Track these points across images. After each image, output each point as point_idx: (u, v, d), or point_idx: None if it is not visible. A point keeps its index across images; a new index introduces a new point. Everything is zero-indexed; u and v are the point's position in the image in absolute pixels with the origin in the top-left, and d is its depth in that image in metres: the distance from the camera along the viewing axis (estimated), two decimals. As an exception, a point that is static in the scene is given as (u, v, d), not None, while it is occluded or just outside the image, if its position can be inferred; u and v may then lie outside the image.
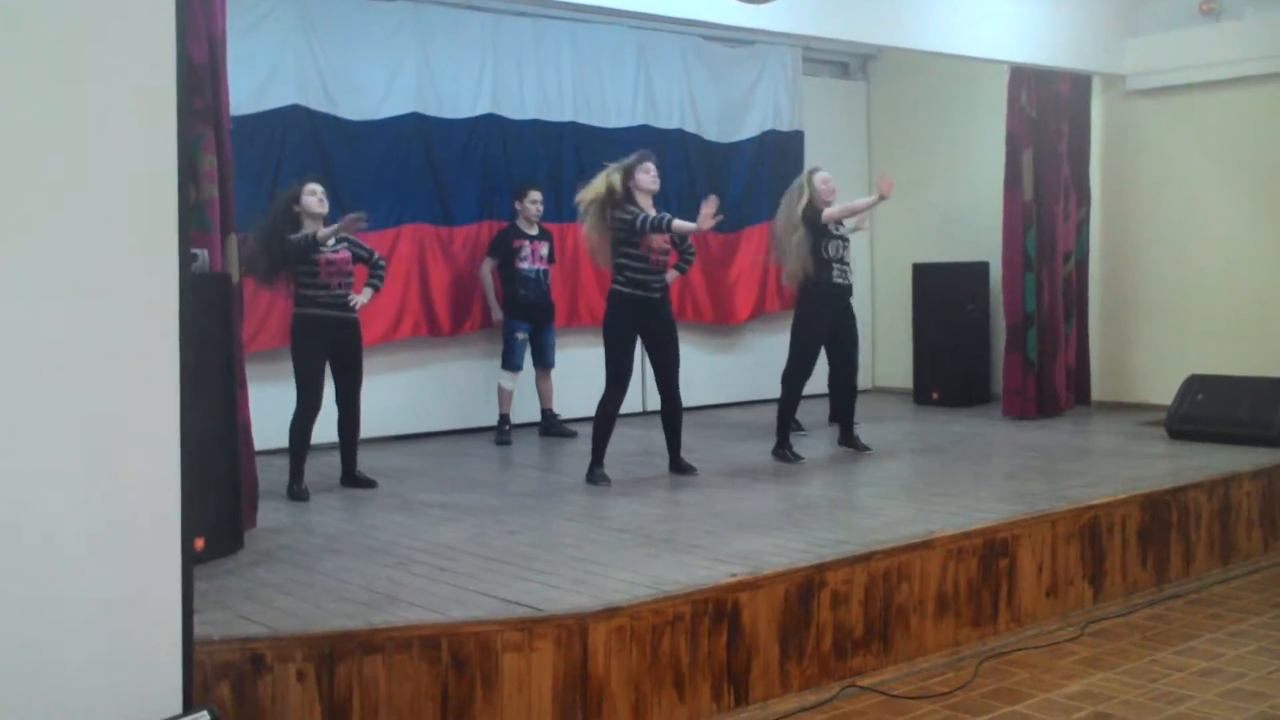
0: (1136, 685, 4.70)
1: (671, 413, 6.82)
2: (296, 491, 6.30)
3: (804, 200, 7.24)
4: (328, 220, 6.44)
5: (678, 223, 6.52)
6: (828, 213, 7.15)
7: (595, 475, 6.61)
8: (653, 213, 6.56)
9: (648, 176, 6.59)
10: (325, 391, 6.50)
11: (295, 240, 6.30)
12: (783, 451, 7.24)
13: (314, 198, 6.40)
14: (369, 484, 6.57)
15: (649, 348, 6.83)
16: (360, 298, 6.61)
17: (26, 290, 2.87)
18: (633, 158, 6.66)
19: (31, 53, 2.86)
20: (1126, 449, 7.59)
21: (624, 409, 9.32)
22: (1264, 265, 8.82)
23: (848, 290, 7.33)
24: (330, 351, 6.50)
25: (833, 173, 8.55)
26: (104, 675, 3.03)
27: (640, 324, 6.66)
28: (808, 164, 10.29)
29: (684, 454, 6.87)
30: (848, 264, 7.30)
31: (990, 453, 7.65)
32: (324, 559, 4.98)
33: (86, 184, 2.96)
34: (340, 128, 8.06)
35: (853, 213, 7.30)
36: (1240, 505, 6.60)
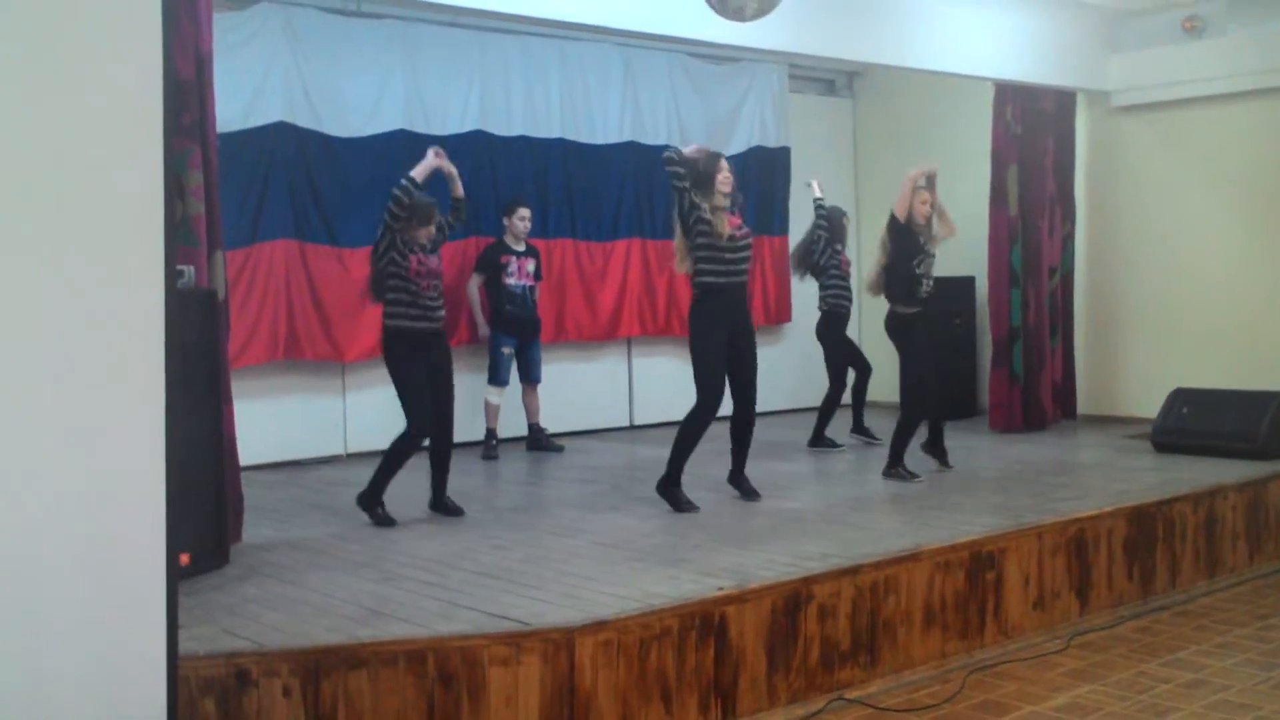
0: (1123, 697, 4.71)
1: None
2: (380, 516, 6.01)
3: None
4: (428, 248, 6.13)
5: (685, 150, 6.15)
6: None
7: (678, 499, 6.19)
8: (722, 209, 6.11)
9: (722, 174, 6.13)
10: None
11: (398, 193, 5.98)
12: (896, 470, 7.06)
13: (432, 225, 6.15)
14: (457, 511, 6.21)
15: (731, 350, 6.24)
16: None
17: (11, 305, 2.87)
18: (700, 154, 6.20)
19: (17, 68, 2.86)
20: (1112, 462, 7.62)
21: (608, 423, 9.47)
22: (1249, 279, 8.88)
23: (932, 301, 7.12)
24: (424, 366, 6.05)
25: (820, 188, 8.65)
26: (88, 690, 3.02)
27: (729, 321, 6.19)
28: (794, 180, 10.38)
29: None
30: (931, 278, 7.08)
31: (977, 466, 7.66)
32: (310, 574, 4.97)
33: (73, 199, 2.96)
34: (327, 144, 8.07)
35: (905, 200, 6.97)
36: (1225, 518, 6.62)
